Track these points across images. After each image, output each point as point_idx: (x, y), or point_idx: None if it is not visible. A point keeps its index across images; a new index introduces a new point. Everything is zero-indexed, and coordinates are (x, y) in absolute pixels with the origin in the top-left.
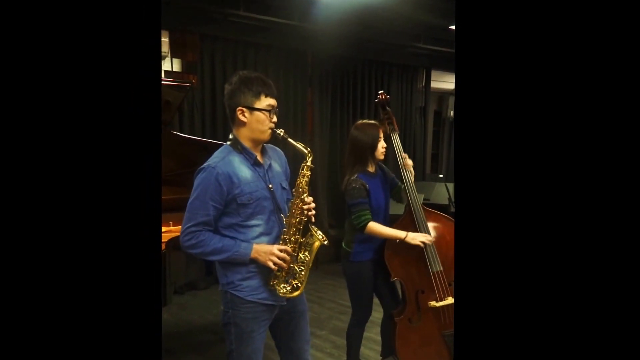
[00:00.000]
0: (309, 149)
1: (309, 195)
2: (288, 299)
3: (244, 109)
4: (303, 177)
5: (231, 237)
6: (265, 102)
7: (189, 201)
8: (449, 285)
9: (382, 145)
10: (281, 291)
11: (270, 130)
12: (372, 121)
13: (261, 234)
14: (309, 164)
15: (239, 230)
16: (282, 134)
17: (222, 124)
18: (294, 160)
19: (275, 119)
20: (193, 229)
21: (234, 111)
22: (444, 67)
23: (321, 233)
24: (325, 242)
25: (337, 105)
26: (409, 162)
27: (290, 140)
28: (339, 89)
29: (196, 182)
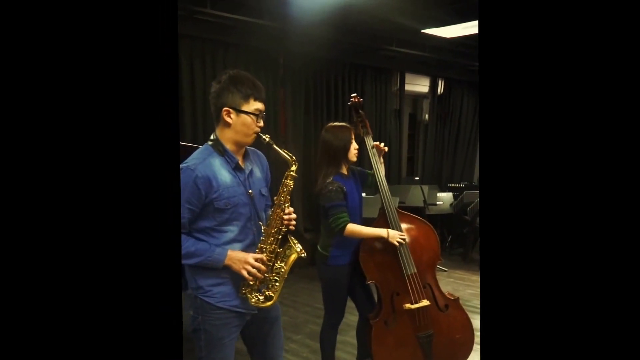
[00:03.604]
0: (294, 157)
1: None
2: (260, 308)
3: (231, 110)
4: (286, 187)
5: (203, 241)
6: (254, 105)
7: None
8: (424, 287)
9: (354, 147)
10: (252, 300)
11: (254, 135)
12: (343, 123)
13: (234, 240)
14: (293, 173)
15: (211, 234)
16: (267, 139)
17: (190, 124)
18: (275, 164)
19: (261, 123)
20: None
21: (220, 111)
22: (418, 71)
23: (300, 246)
24: (303, 255)
25: (311, 106)
26: (379, 145)
27: (275, 147)
28: (312, 90)
29: None
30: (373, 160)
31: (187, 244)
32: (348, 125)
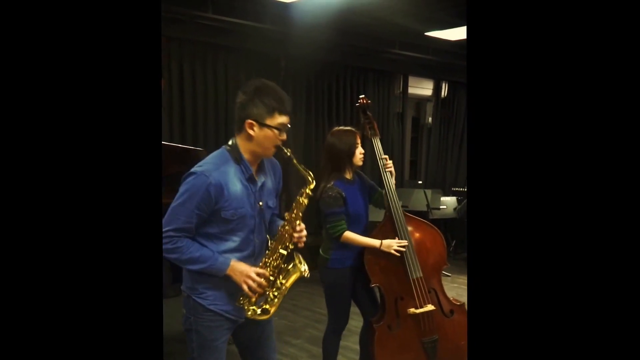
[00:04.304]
0: (312, 175)
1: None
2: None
3: (254, 123)
4: (300, 204)
5: (205, 246)
6: (278, 119)
7: (172, 204)
8: (429, 292)
9: (359, 151)
10: (249, 313)
11: (275, 149)
12: (348, 127)
13: (234, 250)
14: (308, 191)
15: (212, 240)
16: (288, 153)
17: (191, 128)
18: (285, 170)
19: (284, 137)
20: (172, 233)
21: (243, 122)
22: (421, 74)
23: (305, 266)
24: (306, 275)
25: (312, 110)
26: (389, 163)
27: (295, 162)
28: (313, 94)
29: (184, 186)
30: (381, 164)
31: (192, 249)
32: (354, 129)
